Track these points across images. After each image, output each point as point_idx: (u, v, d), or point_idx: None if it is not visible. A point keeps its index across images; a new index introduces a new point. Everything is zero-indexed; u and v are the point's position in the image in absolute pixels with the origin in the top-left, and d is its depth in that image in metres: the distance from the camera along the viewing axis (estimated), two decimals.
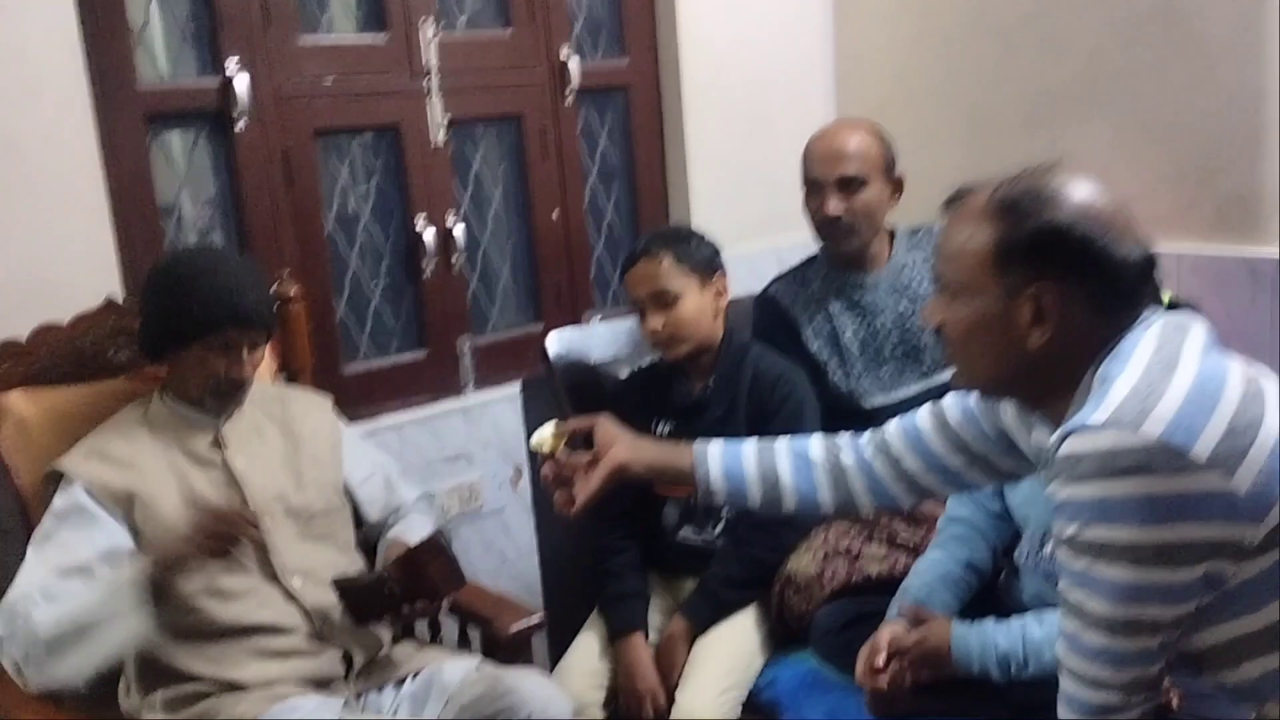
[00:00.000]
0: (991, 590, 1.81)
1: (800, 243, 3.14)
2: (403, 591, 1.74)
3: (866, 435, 1.59)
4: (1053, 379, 1.26)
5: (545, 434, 1.57)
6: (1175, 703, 1.49)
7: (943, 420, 1.52)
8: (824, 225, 2.23)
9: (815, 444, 1.59)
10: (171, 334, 1.78)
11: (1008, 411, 1.44)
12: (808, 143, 2.28)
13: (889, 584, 1.81)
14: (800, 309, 2.27)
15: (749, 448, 1.58)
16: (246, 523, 1.67)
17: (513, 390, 2.53)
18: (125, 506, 1.73)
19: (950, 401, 1.52)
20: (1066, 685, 1.24)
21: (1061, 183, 1.25)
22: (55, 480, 1.75)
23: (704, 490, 1.57)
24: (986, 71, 2.90)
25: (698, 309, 2.05)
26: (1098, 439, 1.12)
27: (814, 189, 2.23)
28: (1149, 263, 1.25)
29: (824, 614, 1.84)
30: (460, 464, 2.66)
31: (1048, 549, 1.69)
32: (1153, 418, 1.10)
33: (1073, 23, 2.69)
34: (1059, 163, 1.28)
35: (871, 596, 1.79)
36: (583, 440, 1.56)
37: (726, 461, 1.56)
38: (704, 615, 1.98)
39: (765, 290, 2.36)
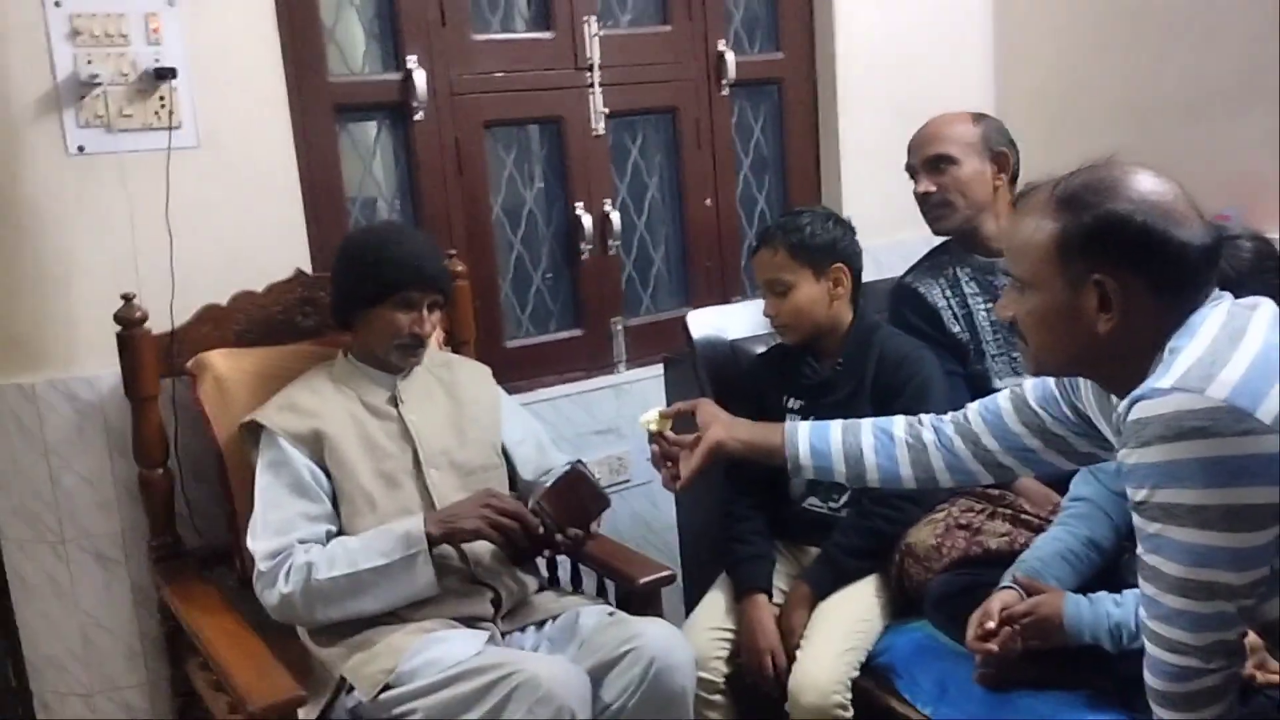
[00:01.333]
0: (1112, 568, 1.83)
1: None
2: (554, 523, 1.92)
3: (949, 414, 1.66)
4: (1125, 362, 1.30)
5: (652, 414, 1.72)
6: (1259, 677, 1.50)
7: (1023, 402, 1.57)
8: (920, 204, 2.32)
9: (899, 421, 1.68)
10: (362, 296, 1.99)
11: (1087, 394, 1.47)
12: (909, 146, 2.38)
13: (1008, 558, 1.84)
14: (938, 294, 2.31)
15: (836, 425, 1.70)
16: (529, 522, 1.90)
17: (661, 370, 2.65)
18: (315, 448, 1.95)
19: (1031, 384, 1.56)
20: (1150, 649, 1.28)
21: (1121, 174, 1.29)
22: (254, 431, 1.98)
23: (793, 466, 1.69)
24: (1146, 62, 2.86)
25: (809, 299, 2.12)
26: (1164, 403, 1.16)
27: (911, 175, 2.35)
28: (1212, 247, 1.28)
29: (939, 582, 1.89)
30: (610, 437, 2.81)
31: None
32: (1218, 382, 1.14)
33: (1233, 12, 2.65)
34: (1118, 155, 1.32)
35: (988, 569, 1.83)
36: (689, 421, 1.70)
37: (814, 439, 1.68)
38: (825, 582, 2.05)
39: (900, 280, 2.40)
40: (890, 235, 3.03)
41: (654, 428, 1.71)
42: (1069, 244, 1.29)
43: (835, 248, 2.15)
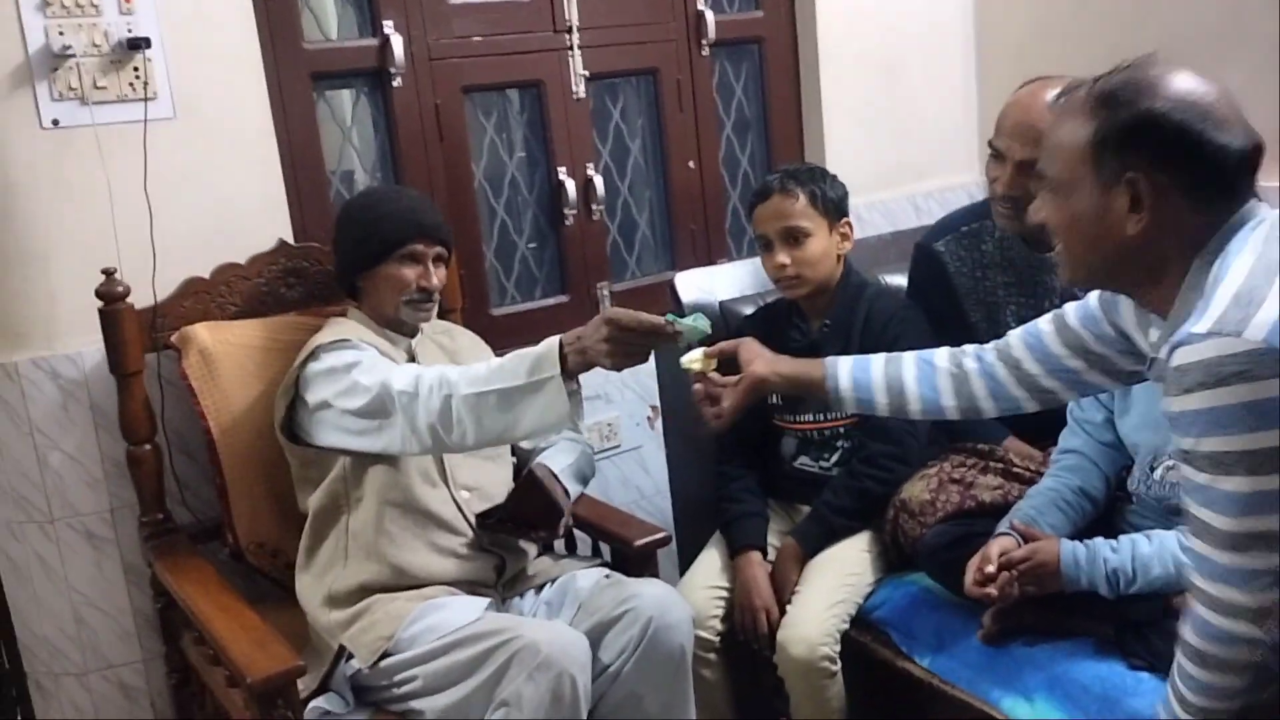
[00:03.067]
0: (1106, 520, 1.84)
1: (934, 190, 3.19)
2: (516, 524, 1.96)
3: (990, 343, 1.63)
4: (1152, 269, 1.28)
5: (696, 354, 1.70)
6: None
7: (1063, 322, 1.54)
8: (1000, 200, 2.09)
9: (941, 352, 1.67)
10: (366, 256, 1.99)
11: (1126, 311, 1.44)
12: (1007, 103, 2.09)
13: (1001, 510, 1.86)
14: (965, 274, 2.17)
15: (877, 358, 1.69)
16: (665, 333, 1.69)
17: None
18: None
19: (1073, 305, 1.54)
20: (1198, 610, 1.23)
21: (1160, 73, 1.27)
22: (297, 376, 1.90)
23: (834, 398, 1.68)
24: (1126, 13, 2.86)
25: (823, 250, 2.11)
26: (1202, 349, 1.13)
27: (996, 159, 2.08)
28: (1252, 153, 1.24)
29: (933, 534, 1.90)
30: (599, 403, 2.80)
31: (1158, 474, 1.72)
32: (1254, 324, 1.11)
33: None
34: (1158, 53, 1.29)
35: (982, 520, 1.84)
36: (729, 362, 1.70)
37: (856, 371, 1.67)
38: (814, 539, 2.06)
39: (930, 242, 2.24)
40: (872, 194, 3.04)
41: (698, 367, 1.70)
42: (1103, 142, 1.26)
43: (844, 202, 2.15)
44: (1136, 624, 1.65)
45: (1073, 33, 2.97)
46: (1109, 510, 1.84)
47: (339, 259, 2.06)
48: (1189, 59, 2.67)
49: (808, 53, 3.04)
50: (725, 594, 2.09)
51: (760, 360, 1.70)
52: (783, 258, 2.10)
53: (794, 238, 2.10)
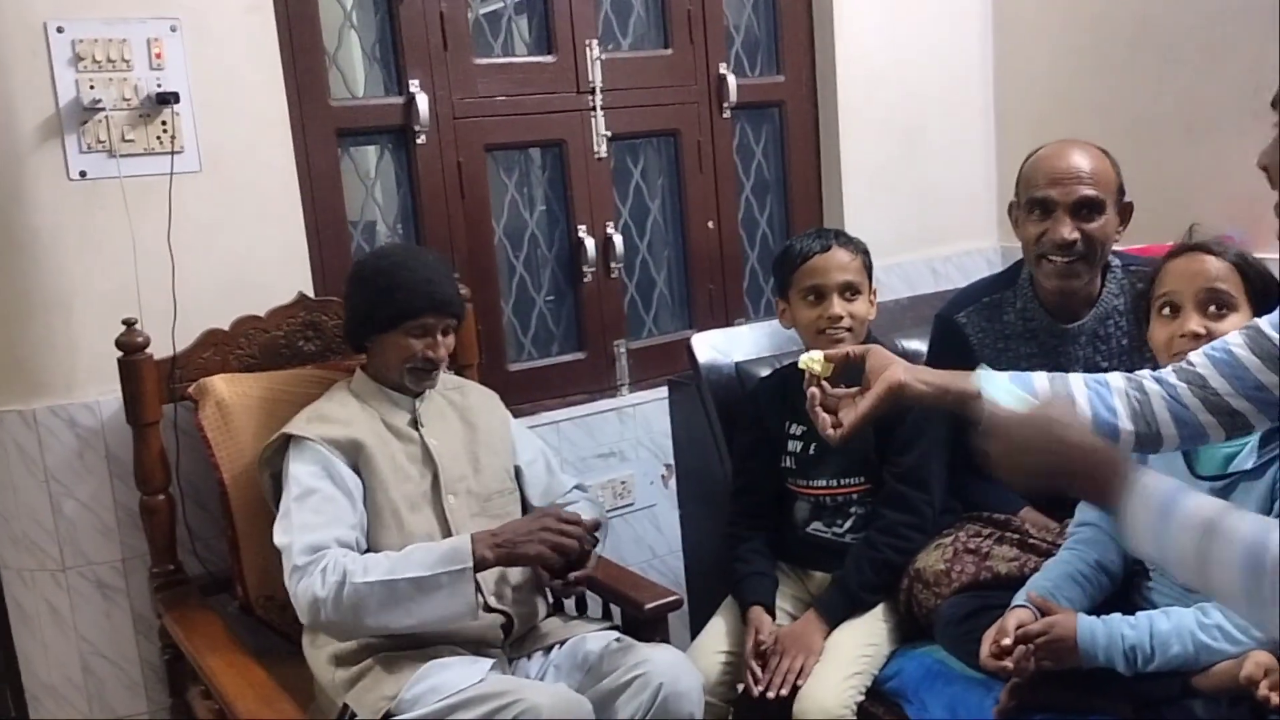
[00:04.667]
0: (1124, 595, 1.81)
1: (952, 254, 3.20)
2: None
3: (1170, 365, 1.50)
4: None
5: (816, 355, 1.56)
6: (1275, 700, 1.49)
7: (1256, 331, 1.41)
8: (1050, 252, 1.99)
9: (1114, 374, 1.50)
10: (377, 321, 1.99)
11: None
12: (1033, 160, 2.06)
13: (1017, 583, 1.82)
14: (988, 346, 2.11)
15: (1040, 375, 1.50)
16: (587, 539, 1.90)
17: (665, 392, 2.64)
18: (353, 455, 1.93)
19: (1264, 319, 1.43)
20: None
21: None
22: (281, 447, 1.94)
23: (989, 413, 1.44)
24: (1147, 83, 2.87)
25: (868, 311, 2.13)
26: None
27: (1041, 210, 2.00)
28: None
29: (949, 605, 1.87)
30: (613, 461, 2.80)
31: None
32: None
33: (1233, 33, 2.65)
34: None
35: (998, 593, 1.82)
36: (851, 372, 1.55)
37: (1016, 385, 1.47)
38: (837, 610, 2.03)
39: (953, 313, 2.19)
40: (890, 257, 3.04)
41: (817, 369, 1.54)
42: None
43: (873, 270, 2.17)
44: (1155, 703, 1.62)
45: (1091, 101, 2.99)
46: (1126, 585, 1.81)
47: (349, 317, 2.07)
48: (1208, 128, 2.72)
49: (828, 116, 3.07)
50: (736, 659, 2.07)
51: (899, 365, 1.50)
52: (840, 308, 2.08)
53: (850, 291, 2.10)
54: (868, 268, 2.15)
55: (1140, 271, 2.02)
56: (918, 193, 3.15)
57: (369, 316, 2.00)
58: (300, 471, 1.90)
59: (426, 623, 1.82)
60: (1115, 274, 2.07)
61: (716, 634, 2.11)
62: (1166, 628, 1.61)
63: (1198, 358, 1.46)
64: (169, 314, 2.12)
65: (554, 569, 1.93)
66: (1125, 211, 2.04)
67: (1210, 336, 1.58)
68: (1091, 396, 1.46)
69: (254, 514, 2.04)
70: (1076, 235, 1.97)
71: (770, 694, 1.93)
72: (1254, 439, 1.61)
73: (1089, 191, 1.97)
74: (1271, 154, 1.26)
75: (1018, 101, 3.22)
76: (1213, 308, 1.68)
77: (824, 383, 1.54)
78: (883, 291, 2.58)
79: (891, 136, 3.11)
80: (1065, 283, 2.02)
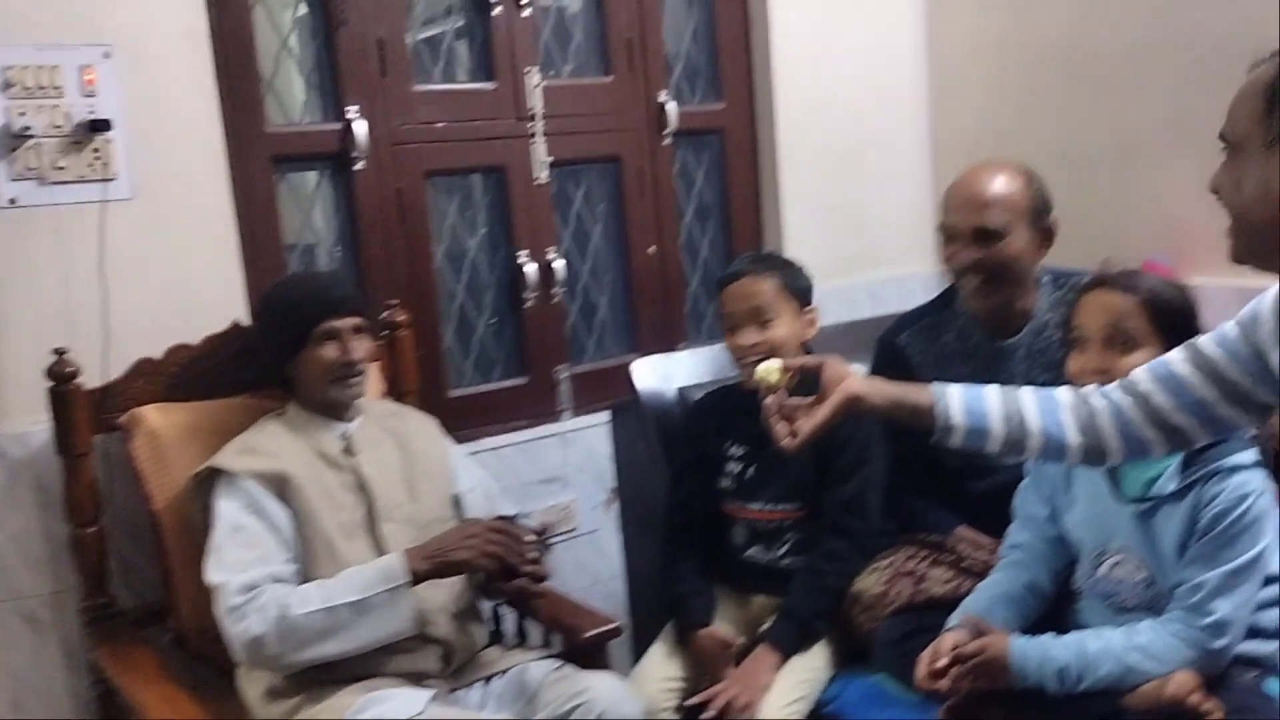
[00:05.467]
0: (1056, 616, 1.85)
1: (891, 278, 3.24)
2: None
3: (1116, 381, 1.56)
4: None
5: (773, 365, 1.60)
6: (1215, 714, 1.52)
7: (1195, 349, 1.49)
8: (961, 274, 2.09)
9: (1061, 389, 1.56)
10: (287, 345, 1.98)
11: (1266, 324, 1.41)
12: (949, 186, 2.13)
13: (952, 605, 1.85)
14: (928, 366, 2.14)
15: (991, 389, 1.56)
16: (527, 547, 1.91)
17: (608, 417, 2.65)
18: (280, 489, 1.91)
19: (1207, 335, 1.49)
20: None
21: None
22: (207, 481, 1.93)
23: (943, 427, 1.53)
24: (1076, 113, 2.94)
25: (789, 334, 2.12)
26: None
27: (949, 235, 2.10)
28: None
29: (887, 627, 1.90)
30: (555, 486, 2.79)
31: (1102, 570, 1.74)
32: None
33: (1158, 64, 2.73)
34: None
35: (934, 614, 1.84)
36: (808, 383, 1.58)
37: (968, 399, 1.53)
38: (790, 642, 2.03)
39: (894, 336, 2.24)
40: (829, 281, 3.06)
41: (775, 379, 1.58)
42: (1275, 96, 1.24)
43: (809, 293, 2.17)
44: None
45: (1024, 130, 3.05)
46: (1058, 606, 1.84)
47: (264, 352, 2.05)
48: (1136, 157, 2.79)
49: (767, 143, 3.10)
50: (677, 684, 2.07)
51: (855, 378, 1.55)
52: (749, 338, 2.10)
53: (761, 319, 2.10)
54: (794, 289, 2.14)
55: (1073, 284, 2.05)
56: (856, 218, 3.19)
57: (277, 341, 2.00)
58: (226, 508, 1.88)
59: (369, 644, 1.82)
60: (1047, 289, 2.12)
61: (658, 659, 2.11)
62: (1096, 648, 1.64)
63: (1140, 374, 1.52)
64: (100, 343, 2.09)
65: (497, 574, 1.91)
66: (1046, 231, 2.08)
67: (1112, 374, 1.61)
68: (1041, 410, 1.53)
69: (188, 545, 2.00)
70: (974, 259, 2.03)
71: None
72: (1175, 462, 1.65)
73: (986, 219, 2.02)
74: (1221, 178, 1.32)
75: (953, 130, 3.28)
76: (1119, 344, 1.71)
77: (781, 390, 1.57)
78: (822, 315, 2.62)
79: (829, 163, 3.15)
80: (982, 302, 2.08)
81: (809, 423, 1.54)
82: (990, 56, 3.16)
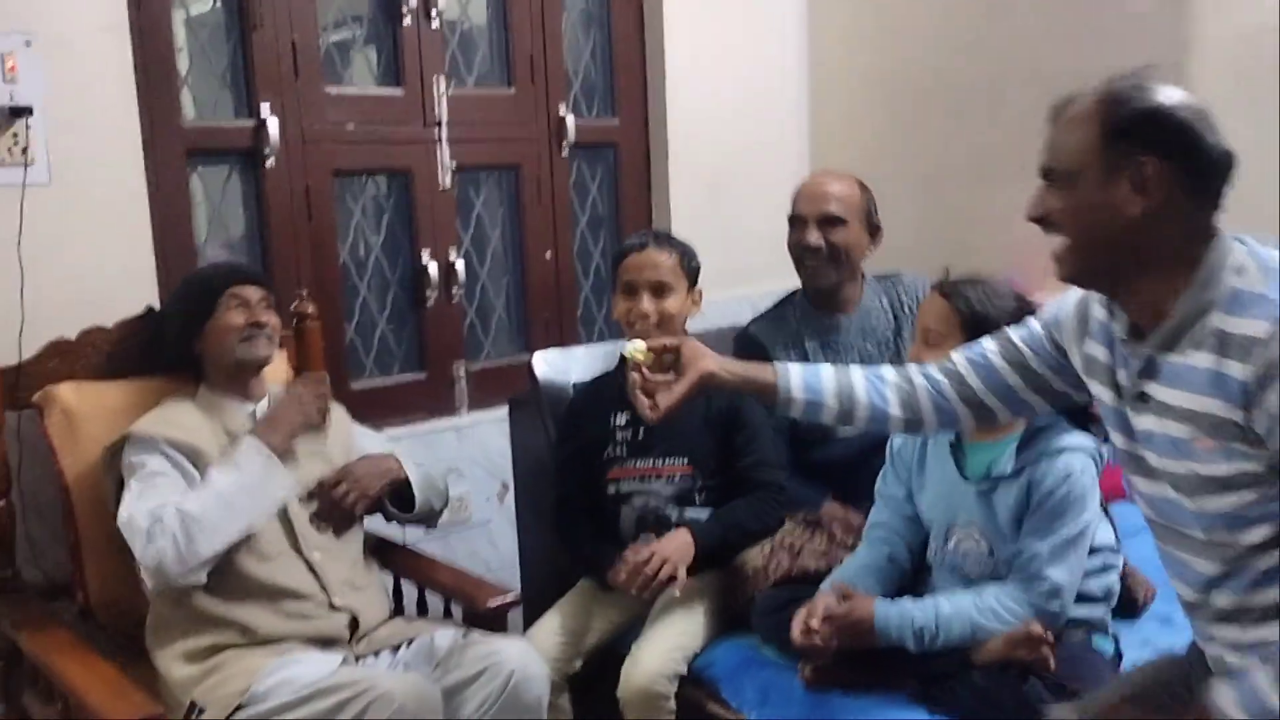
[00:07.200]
0: (914, 584, 2.05)
1: (770, 291, 3.43)
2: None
3: (937, 364, 1.76)
4: (1144, 257, 1.39)
5: (639, 345, 1.77)
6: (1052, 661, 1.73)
7: (1006, 339, 1.69)
8: (803, 255, 2.46)
9: (888, 367, 1.78)
10: (195, 311, 2.09)
11: (1066, 326, 1.59)
12: (798, 186, 2.53)
13: (825, 577, 2.04)
14: (780, 347, 2.44)
15: (826, 367, 1.78)
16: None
17: (501, 413, 2.77)
18: (193, 457, 2.00)
19: (1016, 328, 1.70)
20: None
21: (1159, 80, 1.41)
22: (123, 450, 2.00)
23: (784, 400, 1.73)
24: (940, 134, 3.22)
25: (680, 309, 2.29)
26: None
27: (797, 223, 2.47)
28: (1232, 160, 1.38)
29: (765, 597, 2.07)
30: (451, 477, 2.87)
31: (950, 544, 1.95)
32: None
33: (1010, 95, 3.02)
34: (1158, 69, 1.42)
35: (808, 586, 2.02)
36: (670, 361, 1.76)
37: (806, 376, 1.75)
38: (710, 537, 2.17)
39: (746, 329, 2.56)
40: (710, 294, 3.24)
41: (640, 357, 1.75)
42: (1114, 132, 1.37)
43: (698, 274, 2.34)
44: (940, 676, 1.85)
45: (893, 150, 3.32)
46: (916, 575, 2.05)
47: (174, 335, 2.14)
48: (990, 178, 3.05)
49: (658, 158, 3.29)
50: (569, 639, 2.22)
51: (710, 358, 1.74)
52: (647, 305, 2.25)
53: (660, 290, 2.26)
54: (688, 269, 2.31)
55: (888, 283, 2.57)
56: (738, 232, 3.38)
57: (187, 310, 2.11)
58: (141, 459, 1.97)
59: (263, 514, 1.99)
60: (871, 283, 2.57)
61: (553, 619, 2.26)
62: (949, 610, 1.85)
63: (958, 357, 1.74)
64: (16, 323, 2.13)
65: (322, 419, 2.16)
66: (874, 232, 2.51)
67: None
68: (868, 386, 1.74)
69: (98, 521, 2.06)
70: (821, 241, 2.43)
71: (634, 591, 2.10)
72: (1012, 446, 1.87)
73: (831, 207, 2.44)
74: (1048, 207, 1.46)
75: (830, 149, 3.51)
76: (931, 339, 1.94)
77: (644, 369, 1.76)
78: (704, 325, 2.80)
79: (715, 178, 3.34)
80: (819, 281, 2.47)
81: (668, 396, 1.73)
82: (866, 86, 3.43)
